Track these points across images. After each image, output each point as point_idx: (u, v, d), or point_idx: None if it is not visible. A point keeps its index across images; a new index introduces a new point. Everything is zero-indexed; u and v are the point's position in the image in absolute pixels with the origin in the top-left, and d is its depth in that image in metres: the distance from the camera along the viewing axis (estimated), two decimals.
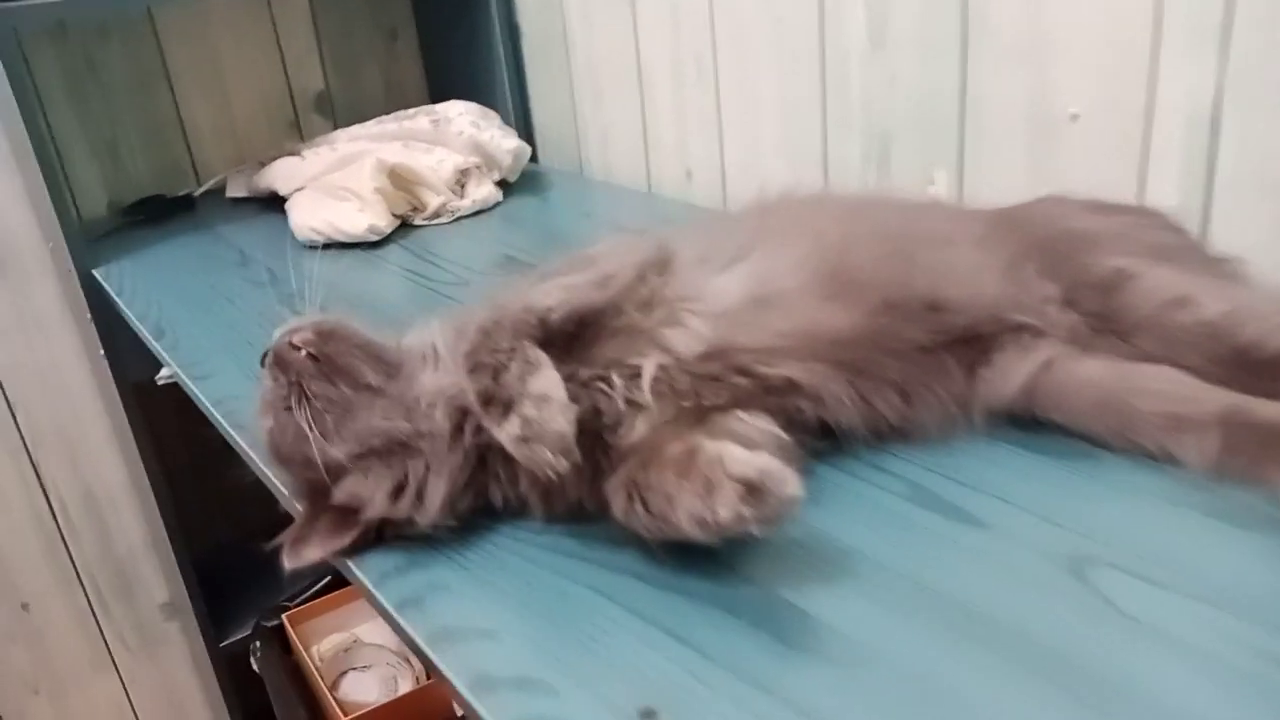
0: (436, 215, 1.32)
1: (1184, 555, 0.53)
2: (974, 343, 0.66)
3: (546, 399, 0.54)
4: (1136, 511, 0.57)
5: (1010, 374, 0.65)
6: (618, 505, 0.56)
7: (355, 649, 1.49)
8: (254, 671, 1.53)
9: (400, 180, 1.30)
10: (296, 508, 0.63)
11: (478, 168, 1.36)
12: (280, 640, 1.51)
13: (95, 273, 1.27)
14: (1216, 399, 0.59)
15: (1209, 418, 0.58)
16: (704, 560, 0.55)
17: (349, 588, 1.34)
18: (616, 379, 0.59)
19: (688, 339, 0.60)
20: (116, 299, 1.18)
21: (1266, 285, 0.69)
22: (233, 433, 0.81)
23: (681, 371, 0.60)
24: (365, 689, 1.43)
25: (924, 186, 0.99)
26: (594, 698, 0.49)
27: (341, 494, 0.60)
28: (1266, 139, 0.75)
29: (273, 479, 0.73)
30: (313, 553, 0.60)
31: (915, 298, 0.64)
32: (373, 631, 1.52)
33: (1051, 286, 0.67)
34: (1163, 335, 0.63)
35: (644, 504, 0.54)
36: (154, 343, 1.02)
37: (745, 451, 0.51)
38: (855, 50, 1.02)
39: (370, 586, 0.59)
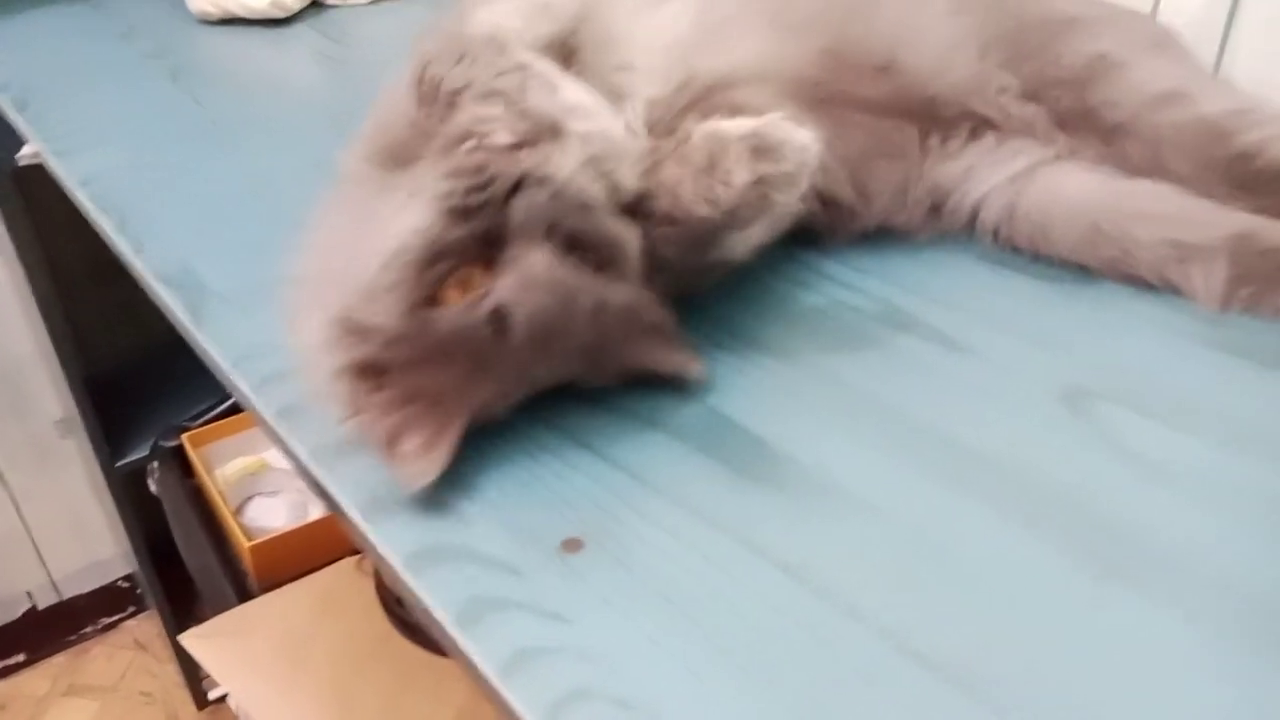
0: None
1: (1188, 390, 0.47)
2: (937, 122, 0.58)
3: (584, 110, 0.44)
4: (1137, 343, 0.50)
5: (981, 172, 0.58)
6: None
7: (263, 473, 1.41)
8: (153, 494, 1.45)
9: None
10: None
11: None
12: (181, 462, 1.42)
13: None
14: (1224, 222, 0.52)
15: (1217, 243, 0.52)
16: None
17: None
18: None
19: (650, 79, 0.53)
20: None
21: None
22: (99, 217, 0.69)
23: (654, 113, 0.52)
24: (273, 515, 1.36)
25: None
26: (510, 528, 0.41)
27: None
28: None
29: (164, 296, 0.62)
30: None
31: (864, 54, 0.57)
32: (282, 456, 1.44)
33: (1010, 78, 0.59)
34: (1151, 136, 0.55)
35: (649, 215, 0.46)
36: (15, 115, 0.88)
37: (740, 119, 0.45)
38: None
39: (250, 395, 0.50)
